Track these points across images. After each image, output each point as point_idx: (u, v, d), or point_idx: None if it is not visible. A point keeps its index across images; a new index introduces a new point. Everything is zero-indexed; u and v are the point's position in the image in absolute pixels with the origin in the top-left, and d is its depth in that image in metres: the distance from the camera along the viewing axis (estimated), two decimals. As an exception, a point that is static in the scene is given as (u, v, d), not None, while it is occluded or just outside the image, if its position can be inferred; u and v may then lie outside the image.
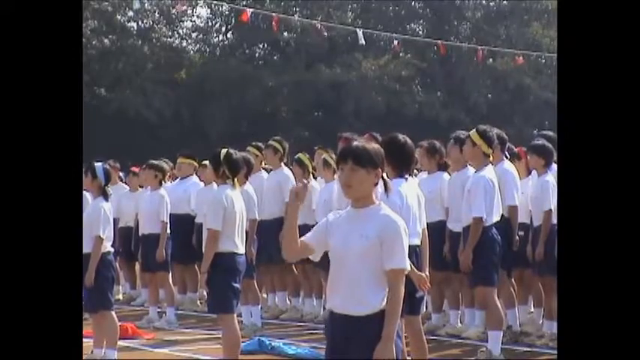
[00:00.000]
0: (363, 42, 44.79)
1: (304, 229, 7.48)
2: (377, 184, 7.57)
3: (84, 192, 17.13)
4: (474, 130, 13.91)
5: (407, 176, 10.90)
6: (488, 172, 13.53)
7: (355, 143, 7.69)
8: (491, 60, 50.07)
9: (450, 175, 15.19)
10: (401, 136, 11.07)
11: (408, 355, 10.99)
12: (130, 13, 58.71)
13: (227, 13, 57.20)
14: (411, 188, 10.84)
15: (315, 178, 17.59)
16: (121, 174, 20.82)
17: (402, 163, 10.77)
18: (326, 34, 46.75)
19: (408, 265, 7.55)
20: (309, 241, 7.67)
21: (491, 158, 13.73)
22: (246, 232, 13.48)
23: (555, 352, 13.76)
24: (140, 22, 59.69)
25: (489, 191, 13.37)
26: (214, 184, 13.10)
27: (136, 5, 54.41)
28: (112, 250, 14.12)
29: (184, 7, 55.01)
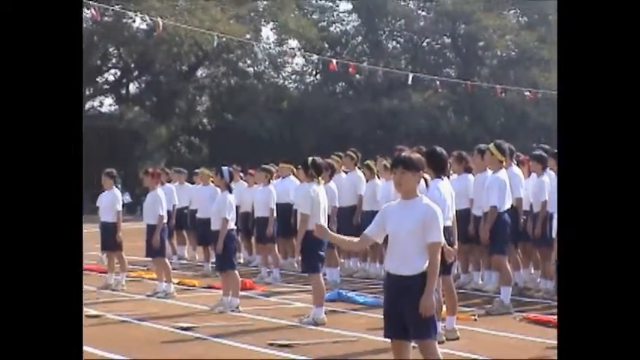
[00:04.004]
0: (412, 82, 44.88)
1: (372, 214, 7.56)
2: (419, 182, 7.58)
3: (213, 186, 17.22)
4: (492, 144, 13.97)
5: (443, 177, 10.83)
6: (502, 174, 13.59)
7: (403, 154, 7.82)
8: (503, 94, 49.64)
9: (473, 176, 15.09)
10: (438, 149, 10.99)
11: (443, 303, 10.94)
12: (249, 61, 58.92)
13: (316, 61, 57.23)
14: (446, 185, 10.77)
15: (378, 177, 17.59)
16: (241, 174, 20.82)
17: (439, 168, 10.69)
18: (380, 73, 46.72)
19: (443, 239, 7.58)
20: (371, 235, 7.74)
21: (504, 164, 13.75)
22: (329, 216, 13.45)
23: (549, 302, 13.83)
24: (255, 68, 60.04)
25: (502, 187, 13.40)
26: (305, 182, 13.06)
27: (258, 55, 54.74)
28: (235, 227, 14.14)
29: (287, 57, 55.40)
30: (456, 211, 11.25)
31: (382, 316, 7.62)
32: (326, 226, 8.84)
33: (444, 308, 11.03)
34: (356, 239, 8.05)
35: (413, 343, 7.59)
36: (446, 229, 9.03)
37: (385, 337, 7.66)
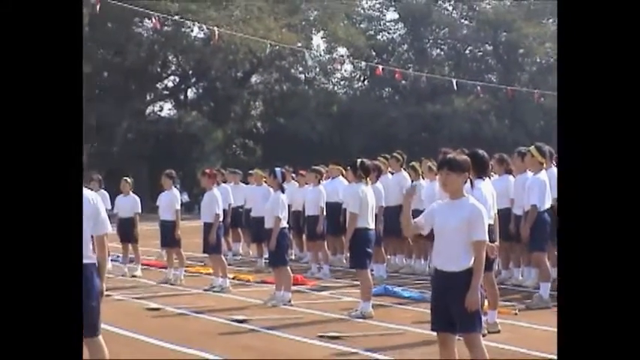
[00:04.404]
0: (455, 87, 44.72)
1: (416, 212, 7.47)
2: (465, 182, 7.57)
3: (267, 186, 17.26)
4: (532, 146, 13.89)
5: (484, 178, 10.77)
6: (542, 175, 13.48)
7: (449, 156, 7.78)
8: (542, 99, 49.21)
9: (514, 177, 15.01)
10: (480, 151, 10.95)
11: (485, 298, 10.89)
12: (300, 68, 59.02)
13: (364, 68, 57.19)
14: (487, 186, 10.70)
15: (423, 178, 17.55)
16: (292, 175, 20.84)
17: (480, 169, 10.61)
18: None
19: (487, 237, 7.58)
20: (420, 222, 7.69)
21: (544, 165, 13.66)
22: (376, 215, 13.44)
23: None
24: (306, 74, 60.04)
25: (542, 188, 13.31)
26: (354, 182, 13.06)
27: (309, 63, 54.83)
28: (287, 225, 14.16)
29: (336, 64, 55.46)
30: (498, 210, 11.20)
31: (427, 310, 7.62)
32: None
33: (486, 303, 11.00)
34: (410, 225, 7.81)
35: (458, 337, 7.61)
36: (488, 227, 9.02)
37: (432, 330, 7.66)
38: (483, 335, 7.92)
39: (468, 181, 7.66)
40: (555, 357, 6.06)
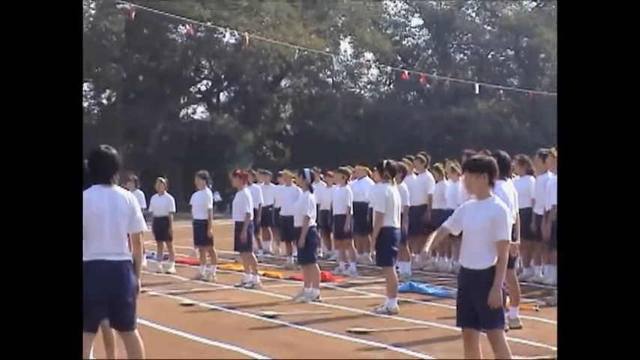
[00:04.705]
0: (478, 91, 44.57)
1: (439, 212, 7.47)
2: (488, 183, 7.53)
3: (296, 186, 17.23)
4: (553, 148, 13.77)
5: (507, 178, 10.69)
6: (562, 175, 13.35)
7: (472, 157, 7.80)
8: (562, 102, 48.90)
9: (534, 177, 14.90)
10: (502, 152, 10.86)
11: (507, 295, 10.81)
12: (328, 72, 59.10)
13: (390, 72, 57.08)
14: (509, 186, 10.61)
15: (447, 178, 17.50)
16: (321, 176, 20.82)
17: (502, 170, 10.49)
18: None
19: (510, 237, 7.57)
20: (448, 226, 7.77)
21: (564, 166, 13.53)
22: (401, 214, 13.37)
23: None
24: (334, 78, 60.11)
25: (562, 188, 13.18)
26: (380, 183, 13.01)
27: (336, 67, 54.99)
28: (315, 224, 14.12)
29: (363, 69, 55.50)
30: (519, 209, 11.11)
31: (451, 307, 7.61)
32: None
33: (508, 300, 10.92)
34: (439, 235, 7.96)
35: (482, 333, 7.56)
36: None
37: (457, 326, 7.67)
38: (505, 330, 7.87)
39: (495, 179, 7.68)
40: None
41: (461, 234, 7.70)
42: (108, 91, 54.28)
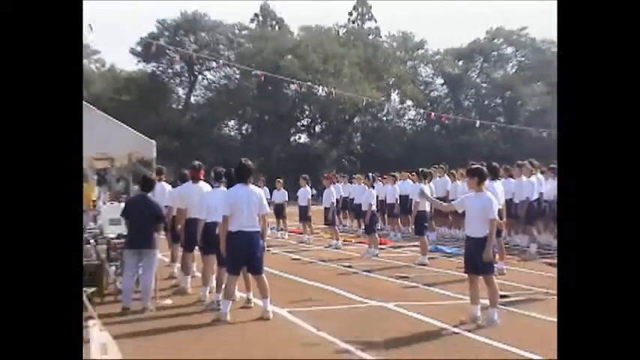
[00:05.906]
0: (478, 125, 43.47)
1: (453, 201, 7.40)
2: (481, 183, 7.45)
3: (364, 185, 17.06)
4: (527, 161, 13.46)
5: (497, 179, 10.52)
6: (532, 179, 13.08)
7: (470, 167, 7.78)
8: (541, 134, 47.71)
9: (514, 179, 14.51)
10: (494, 163, 10.75)
11: (497, 253, 10.60)
12: (384, 113, 59.09)
13: (422, 113, 56.27)
14: (499, 185, 10.45)
15: (458, 180, 17.21)
16: (379, 178, 20.42)
17: (493, 174, 10.33)
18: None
19: (497, 217, 7.45)
20: (455, 205, 7.78)
21: (533, 172, 13.23)
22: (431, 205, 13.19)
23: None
24: (387, 117, 59.82)
25: (531, 187, 12.86)
26: (417, 183, 12.85)
27: (389, 110, 54.63)
28: (375, 208, 13.98)
29: (405, 110, 54.87)
30: (505, 200, 10.93)
31: (461, 261, 7.49)
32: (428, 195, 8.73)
33: (497, 256, 10.73)
34: (445, 204, 8.35)
35: (480, 277, 7.46)
36: (498, 210, 8.84)
37: (464, 272, 7.59)
38: (495, 276, 7.75)
39: (487, 180, 7.56)
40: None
41: (464, 214, 7.58)
42: (246, 125, 56.23)
